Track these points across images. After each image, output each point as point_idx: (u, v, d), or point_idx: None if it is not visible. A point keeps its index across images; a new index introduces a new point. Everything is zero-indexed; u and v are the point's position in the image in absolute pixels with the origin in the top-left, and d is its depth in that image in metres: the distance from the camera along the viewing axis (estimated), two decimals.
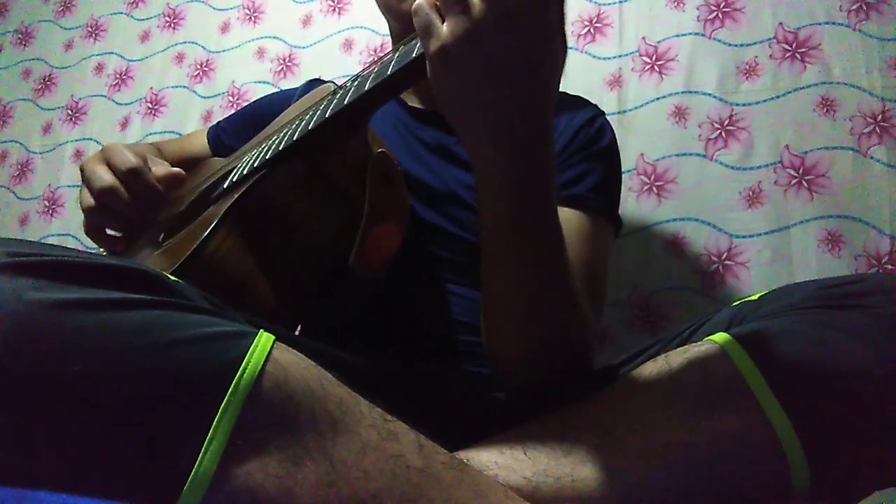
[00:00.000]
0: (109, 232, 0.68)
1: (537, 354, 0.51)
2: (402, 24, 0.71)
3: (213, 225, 0.53)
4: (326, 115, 0.55)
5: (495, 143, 0.43)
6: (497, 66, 0.40)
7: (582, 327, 0.53)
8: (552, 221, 0.47)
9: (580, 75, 1.01)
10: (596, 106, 0.79)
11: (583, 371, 0.54)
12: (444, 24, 0.41)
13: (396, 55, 0.51)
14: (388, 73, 0.49)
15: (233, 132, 0.86)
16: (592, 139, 0.72)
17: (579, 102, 0.79)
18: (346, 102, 0.53)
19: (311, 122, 0.56)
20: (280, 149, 0.58)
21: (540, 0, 0.39)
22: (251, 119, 0.85)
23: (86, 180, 0.63)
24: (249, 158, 0.63)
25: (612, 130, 0.76)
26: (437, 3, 0.42)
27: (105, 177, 0.61)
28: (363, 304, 0.67)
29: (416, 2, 0.43)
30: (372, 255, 0.57)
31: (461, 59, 0.40)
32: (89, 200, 0.62)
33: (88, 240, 1.28)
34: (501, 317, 0.51)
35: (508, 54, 0.40)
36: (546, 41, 0.40)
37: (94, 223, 0.65)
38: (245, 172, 0.61)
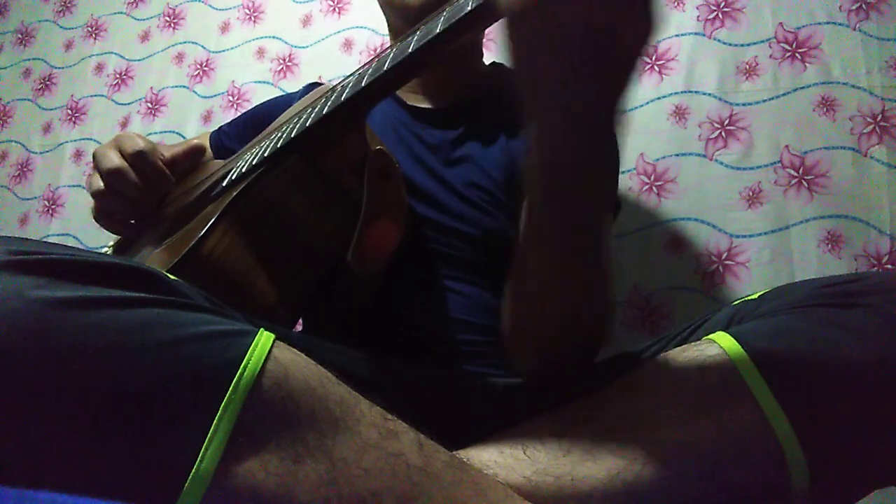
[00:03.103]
0: (116, 217, 0.69)
1: (563, 335, 0.50)
2: (405, 19, 0.70)
3: (210, 223, 0.54)
4: (324, 113, 0.55)
5: (560, 110, 0.40)
6: (559, 32, 0.36)
7: (609, 308, 0.52)
8: (600, 193, 0.45)
9: None
10: None
11: (591, 361, 0.53)
12: None
13: (393, 51, 0.51)
14: (385, 68, 0.50)
15: (235, 135, 0.87)
16: None
17: None
18: (343, 99, 0.54)
19: (309, 120, 0.57)
20: (278, 146, 0.58)
21: None
22: (253, 122, 0.85)
23: (96, 164, 0.65)
24: (249, 157, 0.64)
25: None
26: None
27: (114, 159, 0.63)
28: (361, 302, 0.67)
29: None
30: (369, 252, 0.57)
31: (523, 23, 0.37)
32: (98, 184, 0.64)
33: (89, 239, 1.29)
34: (534, 293, 0.49)
35: (571, 21, 0.36)
36: (617, 10, 0.36)
37: (102, 206, 0.67)
38: (244, 170, 0.61)
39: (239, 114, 0.96)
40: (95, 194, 0.65)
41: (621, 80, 0.39)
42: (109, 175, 0.62)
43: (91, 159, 0.67)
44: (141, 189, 0.64)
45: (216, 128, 0.92)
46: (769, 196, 0.91)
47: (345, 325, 0.68)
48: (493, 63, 0.85)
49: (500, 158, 0.70)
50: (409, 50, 0.48)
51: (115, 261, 0.38)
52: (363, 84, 0.52)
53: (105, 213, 0.68)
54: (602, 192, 0.45)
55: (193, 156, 0.67)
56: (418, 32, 0.49)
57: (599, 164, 0.43)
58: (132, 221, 0.71)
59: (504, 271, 0.68)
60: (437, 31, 0.46)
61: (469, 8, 0.43)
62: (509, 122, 0.73)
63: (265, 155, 0.59)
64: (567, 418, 0.46)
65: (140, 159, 0.63)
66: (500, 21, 0.40)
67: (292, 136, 0.57)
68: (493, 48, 1.09)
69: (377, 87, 0.52)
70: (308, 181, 0.59)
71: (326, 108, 0.55)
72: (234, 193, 0.56)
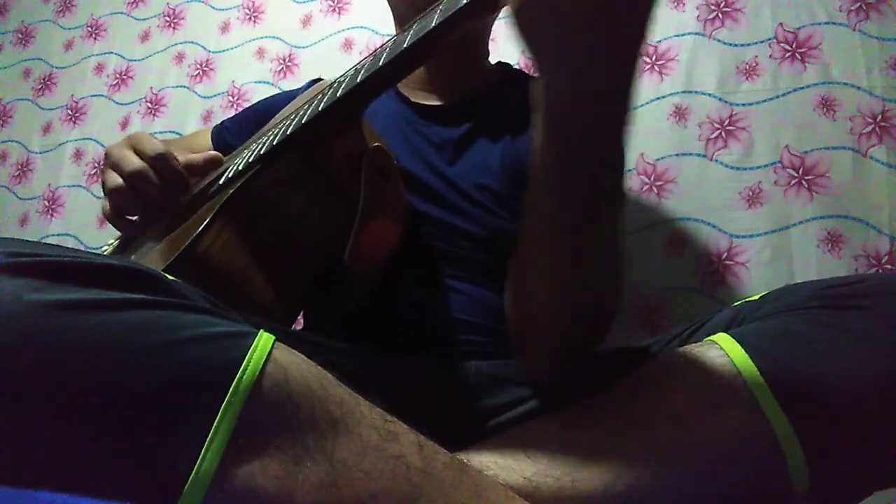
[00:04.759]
0: (129, 218, 0.69)
1: (576, 324, 0.48)
2: (411, 8, 0.69)
3: (206, 221, 0.53)
4: (320, 109, 0.55)
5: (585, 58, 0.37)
6: None
7: (621, 296, 0.50)
8: (621, 168, 0.43)
9: None
10: None
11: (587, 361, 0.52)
12: None
13: (389, 47, 0.51)
14: (380, 64, 0.50)
15: (236, 131, 0.87)
16: None
17: None
18: (338, 95, 0.54)
19: (305, 117, 0.56)
20: (274, 144, 0.58)
21: None
22: (255, 118, 0.85)
23: (114, 163, 0.64)
24: (246, 154, 0.63)
25: None
26: None
27: (136, 161, 0.63)
28: (359, 300, 0.67)
29: None
30: (367, 250, 0.56)
31: None
32: (116, 181, 0.64)
33: (89, 240, 1.29)
34: (545, 281, 0.46)
35: None
36: None
37: (118, 204, 0.66)
38: (240, 168, 0.61)
39: (241, 110, 0.96)
40: (113, 191, 0.64)
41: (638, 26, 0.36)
42: (132, 176, 0.62)
43: (91, 158, 0.67)
44: (160, 191, 0.64)
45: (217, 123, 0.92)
46: (769, 196, 0.91)
47: (345, 322, 0.68)
48: (499, 62, 0.85)
49: (504, 157, 0.70)
50: (405, 45, 0.48)
51: (113, 262, 0.38)
52: (358, 80, 0.52)
53: (118, 210, 0.67)
54: (616, 159, 0.42)
55: (210, 165, 0.67)
56: (414, 27, 0.49)
57: (614, 119, 0.40)
58: (140, 220, 0.70)
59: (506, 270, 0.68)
60: (433, 25, 0.46)
61: (465, 1, 0.43)
62: (514, 119, 0.73)
63: (261, 152, 0.59)
64: (568, 419, 0.46)
65: (161, 162, 0.63)
66: (496, 15, 0.39)
67: (288, 133, 0.57)
68: (497, 47, 1.09)
69: (372, 82, 0.52)
70: (305, 178, 0.59)
71: (322, 104, 0.55)
72: (230, 191, 0.56)
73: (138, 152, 0.63)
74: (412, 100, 0.77)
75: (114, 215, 0.67)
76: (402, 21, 0.76)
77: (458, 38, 0.46)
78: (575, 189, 0.42)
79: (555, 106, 0.39)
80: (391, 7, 0.78)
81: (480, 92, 0.76)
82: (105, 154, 0.66)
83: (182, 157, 0.66)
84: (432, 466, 0.38)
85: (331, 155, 0.59)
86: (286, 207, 0.59)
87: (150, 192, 0.63)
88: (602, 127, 0.40)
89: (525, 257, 0.48)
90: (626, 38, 0.36)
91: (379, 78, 0.51)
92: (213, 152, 0.67)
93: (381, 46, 0.53)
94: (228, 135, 0.87)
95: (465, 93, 0.76)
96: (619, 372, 0.49)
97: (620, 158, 0.42)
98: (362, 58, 1.17)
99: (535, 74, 0.40)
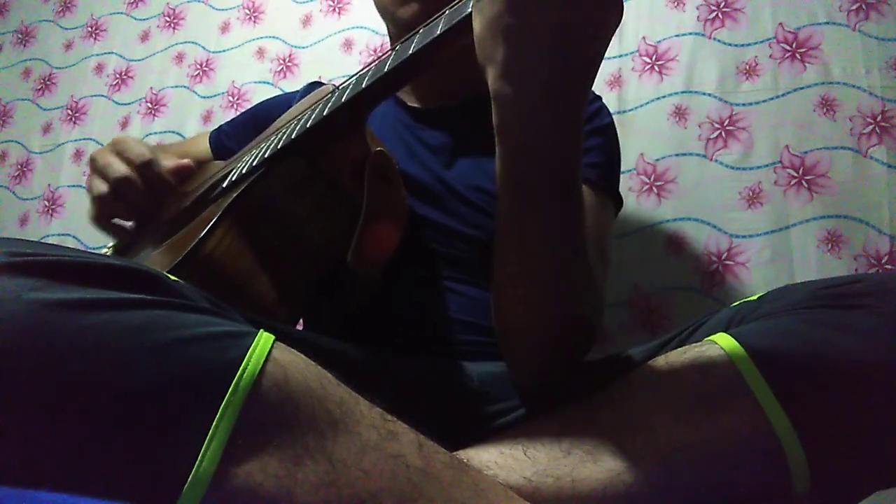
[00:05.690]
0: (117, 221, 0.69)
1: (554, 336, 0.49)
2: (398, 29, 0.72)
3: (210, 223, 0.54)
4: (324, 114, 0.55)
5: (540, 79, 0.40)
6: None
7: (596, 307, 0.53)
8: (576, 188, 0.45)
9: None
10: (592, 90, 0.79)
11: (584, 363, 0.53)
12: None
13: (394, 53, 0.51)
14: (385, 70, 0.50)
15: (234, 135, 0.87)
16: (592, 116, 0.73)
17: None
18: (343, 100, 0.54)
19: (310, 121, 0.57)
20: (279, 147, 0.58)
21: None
22: (253, 122, 0.85)
23: (99, 170, 0.65)
24: (249, 158, 0.64)
25: (610, 114, 0.77)
26: None
27: (122, 167, 0.63)
28: (361, 302, 0.67)
29: None
30: (369, 253, 0.57)
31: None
32: (102, 188, 0.64)
33: (88, 240, 1.29)
34: (519, 297, 0.49)
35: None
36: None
37: (105, 212, 0.67)
38: (244, 172, 0.61)
39: (239, 114, 0.96)
40: (98, 198, 0.65)
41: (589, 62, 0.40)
42: (117, 183, 0.63)
43: (90, 161, 0.68)
44: (146, 197, 0.64)
45: (215, 127, 0.92)
46: (769, 196, 0.91)
47: (346, 323, 0.68)
48: None
49: None
50: (410, 51, 0.48)
51: (114, 262, 0.38)
52: (363, 85, 0.52)
53: (105, 217, 0.68)
54: (574, 183, 0.45)
55: (184, 172, 0.68)
56: (419, 34, 0.49)
57: (568, 146, 0.43)
58: (131, 226, 0.71)
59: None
60: (438, 32, 0.46)
61: (469, 9, 0.43)
62: None
63: (265, 156, 0.59)
64: (568, 419, 0.46)
65: (148, 169, 0.63)
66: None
67: (292, 137, 0.57)
68: None
69: (377, 88, 0.52)
70: (308, 182, 0.59)
71: (327, 109, 0.56)
72: (235, 194, 0.56)
73: (124, 158, 0.64)
74: (408, 103, 0.77)
75: (99, 221, 0.68)
76: (393, 39, 0.76)
77: (463, 45, 0.46)
78: (532, 204, 0.44)
79: (519, 117, 0.42)
80: (384, 23, 0.78)
81: (477, 95, 0.76)
82: (90, 159, 0.67)
83: (170, 161, 0.66)
84: (432, 466, 0.38)
85: (334, 159, 0.59)
86: (290, 211, 0.59)
87: (136, 198, 0.63)
88: (560, 138, 0.42)
89: (499, 269, 0.50)
90: (592, 52, 0.40)
91: (384, 84, 0.51)
92: (184, 160, 0.67)
93: (386, 53, 0.54)
94: (226, 139, 0.87)
95: (462, 97, 0.76)
96: (614, 375, 0.49)
97: (577, 176, 0.45)
98: (362, 58, 1.18)
99: (496, 89, 0.42)
